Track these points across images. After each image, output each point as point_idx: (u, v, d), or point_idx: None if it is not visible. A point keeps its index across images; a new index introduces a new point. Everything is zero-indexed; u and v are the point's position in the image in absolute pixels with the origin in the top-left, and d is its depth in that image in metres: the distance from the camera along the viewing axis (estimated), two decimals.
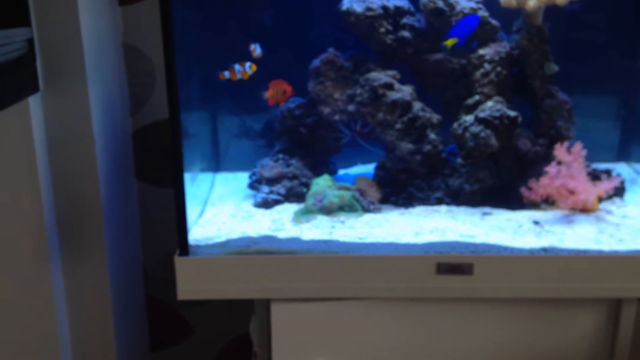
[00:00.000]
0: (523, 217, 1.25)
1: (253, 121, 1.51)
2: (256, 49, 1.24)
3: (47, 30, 1.17)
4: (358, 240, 1.14)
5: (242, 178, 1.40)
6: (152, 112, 1.51)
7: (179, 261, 1.11)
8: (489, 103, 1.26)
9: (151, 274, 1.63)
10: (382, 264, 1.11)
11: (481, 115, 1.24)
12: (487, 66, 1.27)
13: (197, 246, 1.14)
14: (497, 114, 1.24)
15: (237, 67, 1.23)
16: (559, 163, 1.23)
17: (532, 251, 1.13)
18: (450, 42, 1.22)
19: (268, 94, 1.29)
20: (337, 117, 1.31)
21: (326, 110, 1.30)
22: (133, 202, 1.58)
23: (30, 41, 1.17)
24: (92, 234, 1.31)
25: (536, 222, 1.23)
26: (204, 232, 1.19)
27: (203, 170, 1.43)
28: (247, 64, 1.24)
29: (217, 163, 1.52)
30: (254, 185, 1.35)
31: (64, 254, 1.30)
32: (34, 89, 1.19)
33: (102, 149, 1.29)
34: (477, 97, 1.27)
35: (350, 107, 1.29)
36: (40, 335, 1.29)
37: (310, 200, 1.23)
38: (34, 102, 1.18)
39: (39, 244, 1.23)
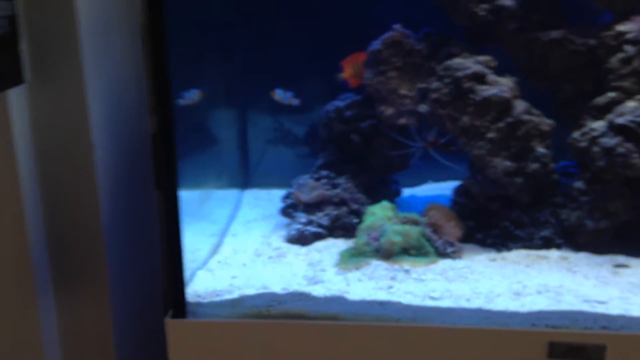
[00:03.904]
0: None
1: (294, 124, 1.37)
2: (283, 98, 1.16)
3: (35, 5, 1.07)
4: (429, 303, 0.94)
5: (277, 197, 1.25)
6: None
7: (172, 324, 0.93)
8: (631, 104, 1.05)
9: None
10: (465, 340, 0.90)
11: (619, 121, 1.04)
12: (628, 49, 1.06)
13: (199, 304, 0.95)
14: None
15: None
16: None
17: None
18: None
19: (346, 75, 1.16)
20: (403, 120, 1.16)
21: (388, 111, 1.16)
22: (151, 217, 1.47)
23: (12, 18, 1.07)
24: (91, 260, 1.16)
25: None
26: (211, 282, 1.00)
27: (226, 186, 1.30)
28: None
29: (246, 177, 1.39)
30: (287, 211, 1.20)
31: (55, 287, 1.17)
32: (17, 80, 1.07)
33: (106, 156, 1.17)
34: (612, 95, 1.08)
35: (423, 108, 1.14)
36: None
37: (362, 238, 1.09)
38: (16, 97, 1.07)
39: (24, 274, 1.11)
